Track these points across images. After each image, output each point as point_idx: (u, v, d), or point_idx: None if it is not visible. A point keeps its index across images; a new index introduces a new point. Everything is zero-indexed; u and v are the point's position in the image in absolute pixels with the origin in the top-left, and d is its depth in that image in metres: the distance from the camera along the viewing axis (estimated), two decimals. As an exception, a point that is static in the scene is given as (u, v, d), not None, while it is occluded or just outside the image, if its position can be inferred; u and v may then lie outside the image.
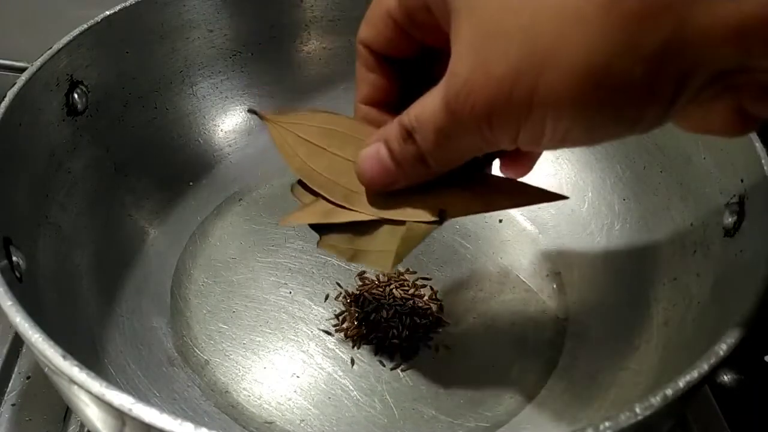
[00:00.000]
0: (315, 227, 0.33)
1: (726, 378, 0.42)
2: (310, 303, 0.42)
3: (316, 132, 0.34)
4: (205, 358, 0.39)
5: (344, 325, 0.41)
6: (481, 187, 0.31)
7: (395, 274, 0.44)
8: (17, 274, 0.31)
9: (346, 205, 0.32)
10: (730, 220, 0.35)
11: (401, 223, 0.31)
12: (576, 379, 0.38)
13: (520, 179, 0.33)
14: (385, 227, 0.32)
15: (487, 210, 0.32)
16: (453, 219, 0.32)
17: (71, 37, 0.39)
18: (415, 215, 0.31)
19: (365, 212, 0.32)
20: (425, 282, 0.43)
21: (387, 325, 0.40)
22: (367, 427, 0.37)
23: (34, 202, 0.36)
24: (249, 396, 0.38)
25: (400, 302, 0.42)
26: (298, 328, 0.41)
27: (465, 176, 0.30)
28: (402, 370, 0.39)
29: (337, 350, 0.40)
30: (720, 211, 0.36)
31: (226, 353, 0.40)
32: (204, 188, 0.48)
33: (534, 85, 0.22)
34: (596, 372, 0.38)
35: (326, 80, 0.51)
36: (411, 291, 0.43)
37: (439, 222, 0.31)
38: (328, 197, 0.33)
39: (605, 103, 0.22)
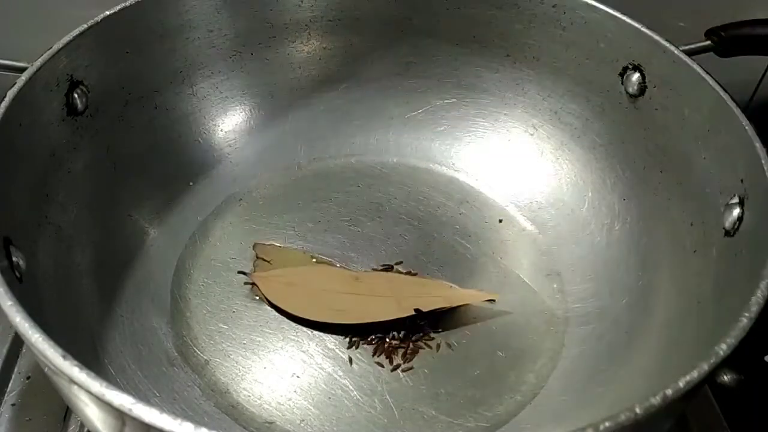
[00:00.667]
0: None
1: (726, 378, 0.42)
2: (310, 303, 0.42)
3: (297, 277, 0.43)
4: (205, 358, 0.39)
5: (344, 325, 0.41)
6: (444, 292, 0.42)
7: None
8: (17, 274, 0.31)
9: (337, 321, 0.40)
10: (730, 220, 0.35)
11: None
12: (576, 379, 0.38)
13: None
14: None
15: (449, 306, 0.41)
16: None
17: (71, 37, 0.39)
18: (395, 315, 0.40)
19: (353, 321, 0.40)
20: (425, 282, 0.43)
21: (387, 326, 0.40)
22: (367, 427, 0.37)
23: (34, 202, 0.36)
24: (249, 396, 0.38)
25: (400, 302, 0.42)
26: (298, 328, 0.41)
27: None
28: (402, 370, 0.39)
29: (336, 350, 0.40)
30: (720, 211, 0.36)
31: (226, 353, 0.40)
32: (204, 188, 0.48)
33: None
34: (596, 372, 0.38)
35: (326, 80, 0.51)
36: (411, 291, 0.43)
37: (415, 315, 0.40)
38: (316, 319, 0.41)
39: None
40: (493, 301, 0.42)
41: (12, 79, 0.35)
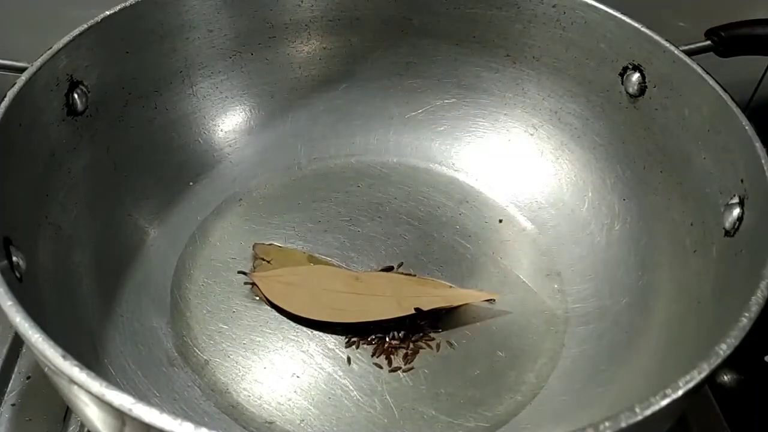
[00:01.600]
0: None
1: (726, 378, 0.42)
2: (310, 303, 0.42)
3: (297, 277, 0.43)
4: (205, 358, 0.39)
5: (344, 325, 0.41)
6: (444, 292, 0.42)
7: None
8: (17, 274, 0.31)
9: (337, 320, 0.40)
10: (730, 220, 0.35)
11: None
12: (576, 379, 0.38)
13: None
14: None
15: (449, 305, 0.41)
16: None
17: (71, 37, 0.39)
18: (395, 314, 0.40)
19: (353, 320, 0.40)
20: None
21: (387, 325, 0.40)
22: (367, 427, 0.37)
23: (34, 202, 0.36)
24: (249, 396, 0.38)
25: (400, 302, 0.42)
26: (298, 328, 0.41)
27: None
28: (402, 371, 0.39)
29: (336, 350, 0.40)
30: (720, 211, 0.36)
31: (226, 353, 0.40)
32: (204, 188, 0.48)
33: None
34: (596, 372, 0.38)
35: (326, 80, 0.51)
36: (411, 291, 0.43)
37: (415, 314, 0.40)
38: (316, 319, 0.41)
39: None
40: (493, 301, 0.42)
41: (12, 79, 0.35)
